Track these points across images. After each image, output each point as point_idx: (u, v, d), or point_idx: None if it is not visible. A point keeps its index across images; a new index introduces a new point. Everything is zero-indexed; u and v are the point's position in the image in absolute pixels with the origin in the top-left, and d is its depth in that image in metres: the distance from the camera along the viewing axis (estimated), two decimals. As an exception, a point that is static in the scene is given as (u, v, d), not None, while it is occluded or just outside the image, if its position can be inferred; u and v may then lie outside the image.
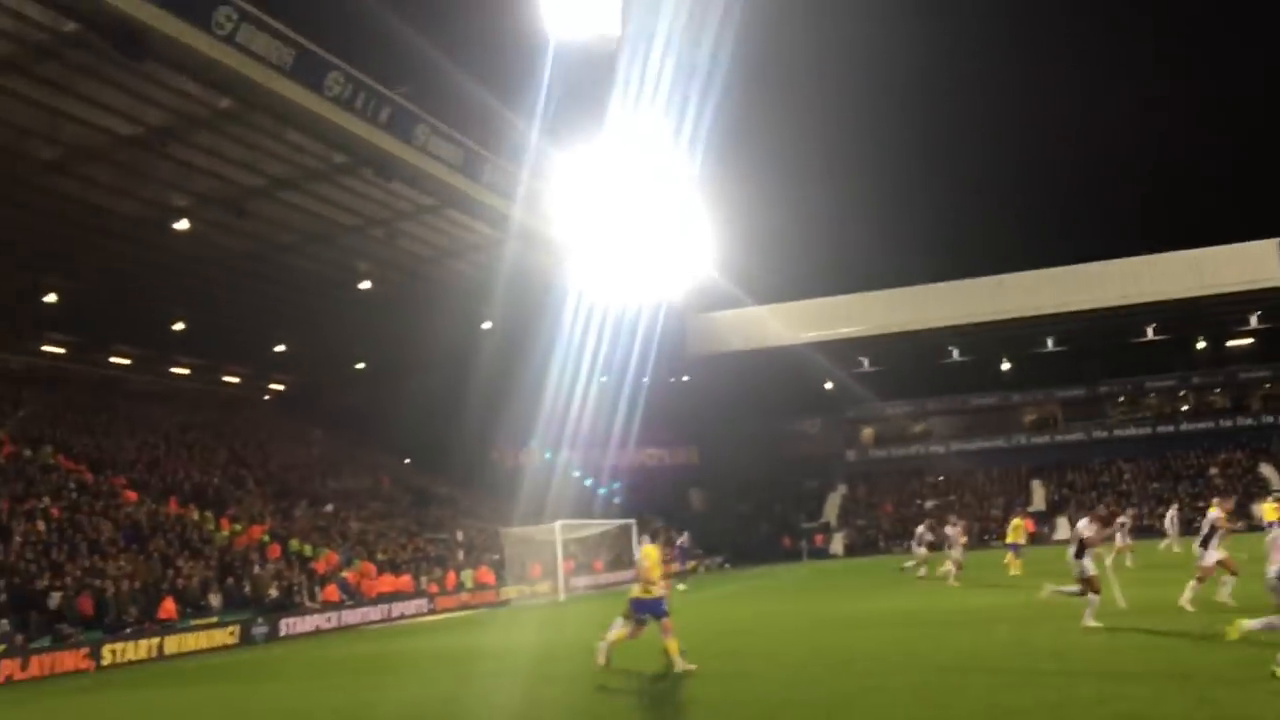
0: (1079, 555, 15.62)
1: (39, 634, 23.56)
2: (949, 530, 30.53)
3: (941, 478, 65.91)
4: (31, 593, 24.55)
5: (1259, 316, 58.53)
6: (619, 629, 15.03)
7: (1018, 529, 31.72)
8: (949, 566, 29.01)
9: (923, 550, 31.73)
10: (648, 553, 14.96)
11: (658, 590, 14.65)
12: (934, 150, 74.41)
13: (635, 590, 14.86)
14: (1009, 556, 30.56)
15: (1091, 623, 15.10)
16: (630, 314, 43.95)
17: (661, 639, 14.16)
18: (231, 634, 27.08)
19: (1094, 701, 9.74)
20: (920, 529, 32.68)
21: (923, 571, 31.09)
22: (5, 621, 22.90)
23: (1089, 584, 15.41)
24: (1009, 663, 12.72)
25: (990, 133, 72.49)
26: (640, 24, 45.76)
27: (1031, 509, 59.22)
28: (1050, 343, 61.69)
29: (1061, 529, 56.78)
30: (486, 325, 45.77)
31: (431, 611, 35.14)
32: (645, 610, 14.59)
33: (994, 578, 28.14)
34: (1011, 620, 17.42)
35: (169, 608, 26.79)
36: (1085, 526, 16.03)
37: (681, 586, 35.15)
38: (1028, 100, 72.46)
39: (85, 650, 23.22)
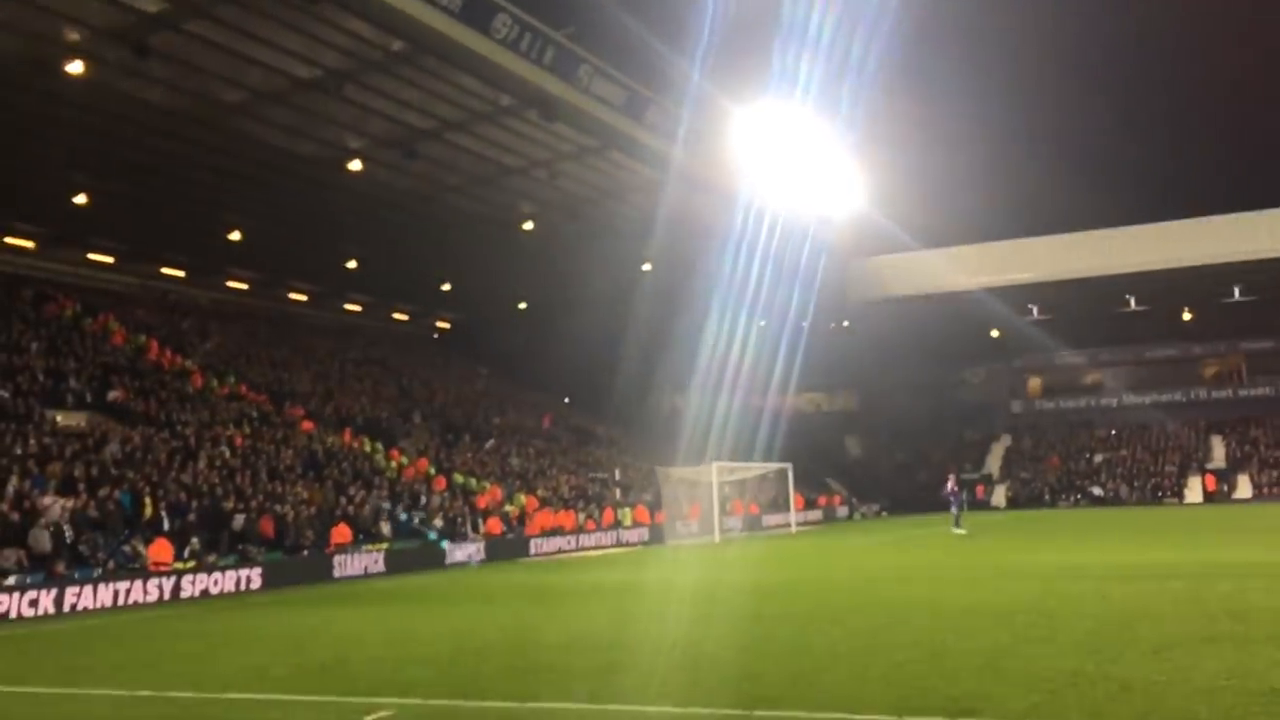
0: None
1: (226, 553, 25.05)
2: None
3: (1114, 431, 63.43)
4: (219, 513, 26.06)
5: None
6: None
7: None
8: None
9: None
10: None
11: None
12: (1115, 83, 70.08)
13: None
14: None
15: None
16: (791, 257, 43.38)
17: None
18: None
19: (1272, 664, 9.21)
20: None
21: None
22: (196, 540, 24.37)
23: None
24: (1182, 624, 11.99)
25: (1179, 64, 67.79)
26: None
27: (1211, 466, 56.68)
28: (1237, 292, 58.16)
29: (1243, 487, 54.23)
30: (646, 267, 46.00)
31: (591, 547, 35.95)
32: None
33: None
34: (1184, 577, 16.71)
35: (344, 532, 28.06)
36: None
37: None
38: (1223, 26, 67.35)
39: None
